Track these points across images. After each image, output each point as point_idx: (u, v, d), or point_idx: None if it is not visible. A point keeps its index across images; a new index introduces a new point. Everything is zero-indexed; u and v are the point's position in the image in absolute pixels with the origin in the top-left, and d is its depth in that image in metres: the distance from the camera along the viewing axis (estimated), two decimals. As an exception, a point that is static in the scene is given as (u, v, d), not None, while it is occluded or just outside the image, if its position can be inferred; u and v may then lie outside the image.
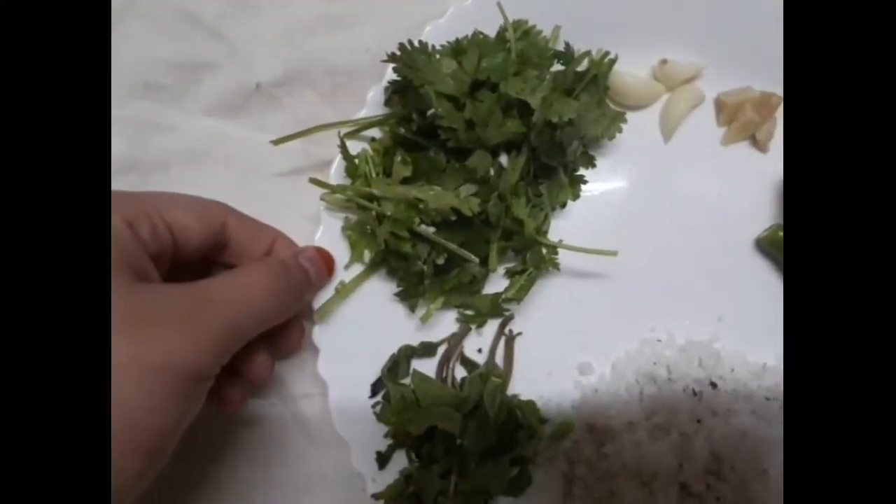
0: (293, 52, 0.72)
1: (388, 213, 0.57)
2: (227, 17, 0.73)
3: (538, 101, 0.58)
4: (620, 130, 0.66)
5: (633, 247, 0.67)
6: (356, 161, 0.61)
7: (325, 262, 0.61)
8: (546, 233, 0.65)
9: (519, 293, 0.63)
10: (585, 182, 0.67)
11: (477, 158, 0.58)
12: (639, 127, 0.70)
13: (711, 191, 0.70)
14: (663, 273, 0.68)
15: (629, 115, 0.69)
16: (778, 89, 0.69)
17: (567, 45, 0.65)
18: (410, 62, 0.56)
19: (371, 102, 0.64)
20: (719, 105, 0.71)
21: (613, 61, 0.67)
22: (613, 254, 0.62)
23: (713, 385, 0.63)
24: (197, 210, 0.54)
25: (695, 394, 0.62)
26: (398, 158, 0.59)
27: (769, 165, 0.70)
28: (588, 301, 0.67)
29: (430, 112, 0.55)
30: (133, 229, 0.47)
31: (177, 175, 0.72)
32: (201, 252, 0.55)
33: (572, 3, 0.69)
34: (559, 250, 0.64)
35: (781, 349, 0.66)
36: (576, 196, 0.68)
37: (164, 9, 0.73)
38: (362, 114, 0.64)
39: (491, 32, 0.64)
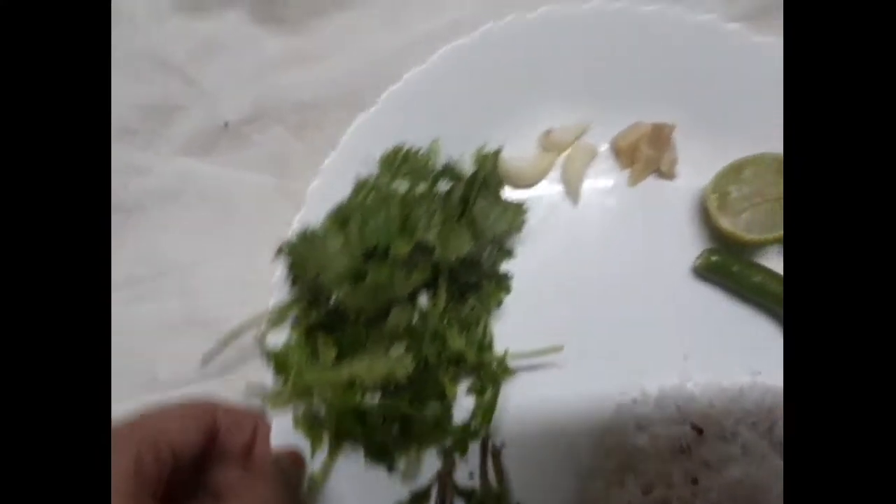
0: (260, 90, 0.74)
1: (330, 401, 0.57)
2: (195, 59, 0.74)
3: (434, 237, 0.57)
4: (526, 220, 0.65)
5: (581, 317, 0.67)
6: (282, 355, 0.60)
7: (298, 463, 0.61)
8: (491, 343, 0.65)
9: (487, 415, 0.63)
10: (510, 278, 0.67)
11: (394, 317, 0.57)
12: (549, 194, 0.70)
13: (636, 235, 0.69)
14: (617, 333, 0.68)
15: (534, 190, 0.69)
16: (666, 117, 0.69)
17: (447, 164, 0.64)
18: (297, 256, 0.56)
19: (277, 286, 0.63)
20: (615, 151, 0.70)
21: (498, 152, 0.67)
22: (560, 349, 0.62)
23: (698, 431, 0.64)
24: (193, 418, 0.54)
25: (682, 451, 0.62)
26: (322, 340, 0.58)
27: (681, 191, 0.70)
28: (555, 387, 0.67)
29: (332, 300, 0.55)
30: (139, 468, 0.47)
31: (154, 215, 0.73)
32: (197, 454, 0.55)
33: (444, 102, 0.68)
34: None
35: (752, 366, 0.67)
36: (507, 291, 0.67)
37: (134, 54, 0.75)
38: (271, 302, 0.63)
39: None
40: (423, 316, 0.60)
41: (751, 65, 0.68)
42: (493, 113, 0.69)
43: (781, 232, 0.63)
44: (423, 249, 0.58)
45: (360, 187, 0.61)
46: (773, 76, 0.66)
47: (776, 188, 0.64)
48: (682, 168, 0.70)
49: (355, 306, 0.55)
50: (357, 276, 0.55)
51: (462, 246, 0.57)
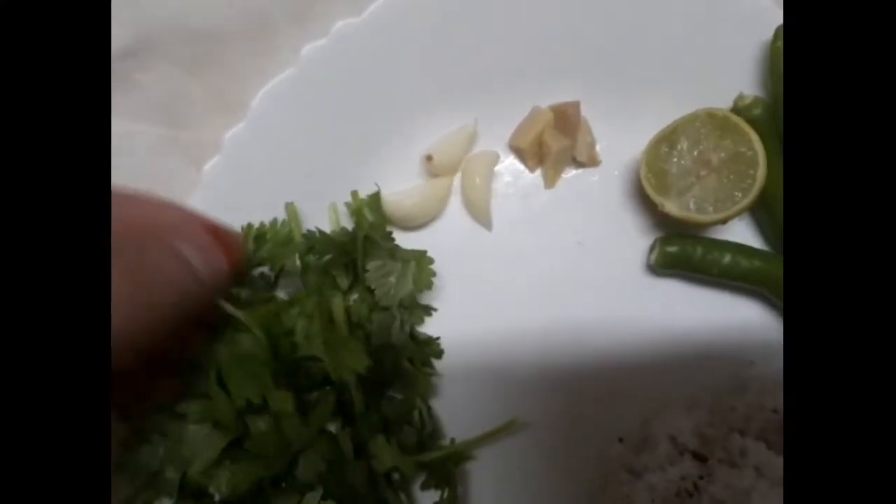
0: (140, 16, 0.57)
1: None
2: None
3: (321, 352, 0.44)
4: (434, 273, 0.51)
5: (534, 357, 0.56)
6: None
7: (224, 246, 0.41)
8: (435, 432, 0.52)
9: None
10: (437, 340, 0.54)
11: (304, 468, 0.43)
12: (455, 227, 0.57)
13: (570, 244, 0.57)
14: (580, 364, 0.56)
15: (436, 225, 0.56)
16: (567, 95, 0.55)
17: (310, 231, 0.49)
18: (147, 462, 0.40)
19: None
20: (517, 152, 0.57)
21: (377, 195, 0.53)
22: (514, 423, 0.50)
23: (702, 460, 0.53)
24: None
25: (689, 494, 0.51)
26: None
27: (609, 177, 0.57)
28: (526, 448, 0.55)
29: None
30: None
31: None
32: None
33: (299, 154, 0.54)
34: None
35: (743, 357, 0.56)
36: (438, 356, 0.54)
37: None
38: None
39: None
40: (332, 440, 0.46)
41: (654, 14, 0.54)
42: (353, 140, 0.55)
43: (742, 203, 0.50)
44: (308, 371, 0.44)
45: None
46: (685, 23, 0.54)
47: (722, 148, 0.51)
48: (602, 150, 0.57)
49: (247, 489, 0.41)
50: (234, 455, 0.41)
51: (359, 360, 0.43)
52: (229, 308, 0.43)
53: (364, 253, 0.51)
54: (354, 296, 0.51)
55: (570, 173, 0.57)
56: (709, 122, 0.52)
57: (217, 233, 0.40)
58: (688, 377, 0.56)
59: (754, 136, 0.50)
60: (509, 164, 0.57)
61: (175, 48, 0.56)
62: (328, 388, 0.46)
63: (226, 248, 0.41)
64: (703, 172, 0.51)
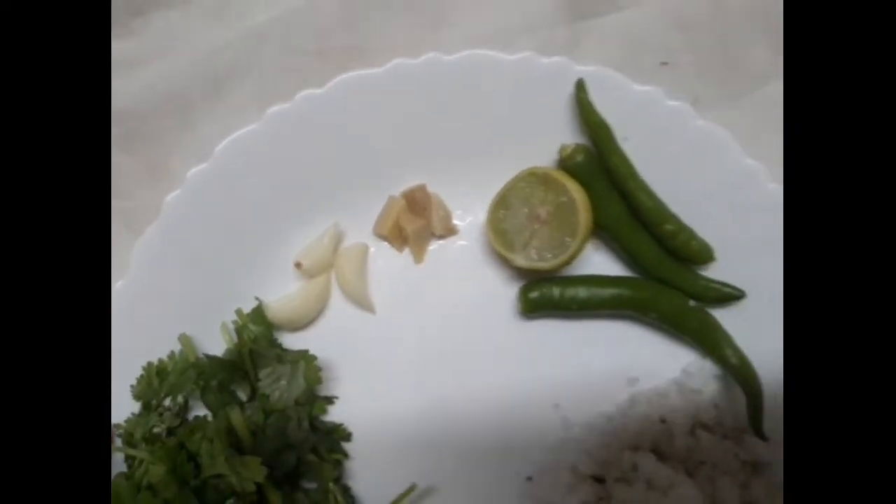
0: None
1: None
2: None
3: (225, 468, 0.50)
4: (320, 368, 0.57)
5: (436, 422, 0.60)
6: None
7: None
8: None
9: None
10: (346, 432, 0.59)
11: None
12: (342, 318, 0.62)
13: (449, 307, 0.62)
14: (482, 412, 0.60)
15: (323, 320, 0.62)
16: (417, 178, 0.62)
17: (200, 359, 0.55)
18: None
19: None
20: (383, 239, 0.63)
21: (259, 308, 0.59)
22: (413, 489, 0.55)
23: (600, 481, 0.57)
24: None
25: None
26: None
27: (471, 242, 0.63)
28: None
29: None
30: None
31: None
32: None
33: (192, 281, 0.60)
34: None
35: (626, 375, 0.61)
36: (347, 438, 0.59)
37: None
38: None
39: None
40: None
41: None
42: (238, 258, 0.61)
43: (574, 245, 0.56)
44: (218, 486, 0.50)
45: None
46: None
47: (548, 202, 0.57)
48: (458, 218, 0.63)
49: None
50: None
51: (257, 471, 0.49)
52: (134, 451, 0.49)
53: (253, 364, 0.57)
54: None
55: (435, 245, 0.63)
56: (533, 180, 0.57)
57: None
58: (581, 407, 0.60)
59: (570, 185, 0.56)
60: (381, 249, 0.63)
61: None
62: (237, 498, 0.52)
63: None
64: (536, 226, 0.57)
